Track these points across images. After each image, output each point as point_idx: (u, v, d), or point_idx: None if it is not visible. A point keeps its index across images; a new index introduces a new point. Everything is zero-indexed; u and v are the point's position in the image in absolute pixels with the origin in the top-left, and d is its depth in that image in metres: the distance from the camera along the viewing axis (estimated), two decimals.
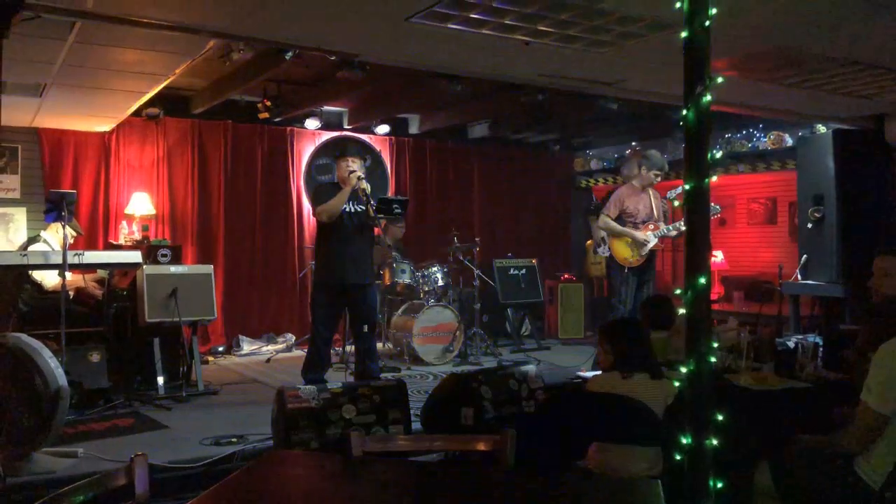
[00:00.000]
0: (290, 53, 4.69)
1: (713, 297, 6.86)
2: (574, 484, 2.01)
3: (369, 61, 4.87)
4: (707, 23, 2.46)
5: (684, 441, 2.55)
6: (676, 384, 2.70)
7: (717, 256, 9.03)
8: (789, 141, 7.62)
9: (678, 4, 2.51)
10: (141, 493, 1.84)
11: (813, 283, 6.72)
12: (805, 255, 6.84)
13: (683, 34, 2.49)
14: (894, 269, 2.82)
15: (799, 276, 6.85)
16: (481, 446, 1.97)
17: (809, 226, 6.74)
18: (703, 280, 2.47)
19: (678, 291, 2.51)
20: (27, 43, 4.15)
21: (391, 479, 1.95)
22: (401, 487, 1.91)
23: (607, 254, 7.49)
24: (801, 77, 5.06)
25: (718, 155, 7.66)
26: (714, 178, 2.55)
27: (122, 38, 4.19)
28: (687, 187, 2.54)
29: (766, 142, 7.83)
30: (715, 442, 2.49)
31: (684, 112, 2.53)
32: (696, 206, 2.51)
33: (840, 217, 6.49)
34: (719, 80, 2.48)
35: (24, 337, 4.11)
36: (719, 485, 2.52)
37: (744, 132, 8.06)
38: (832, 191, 6.54)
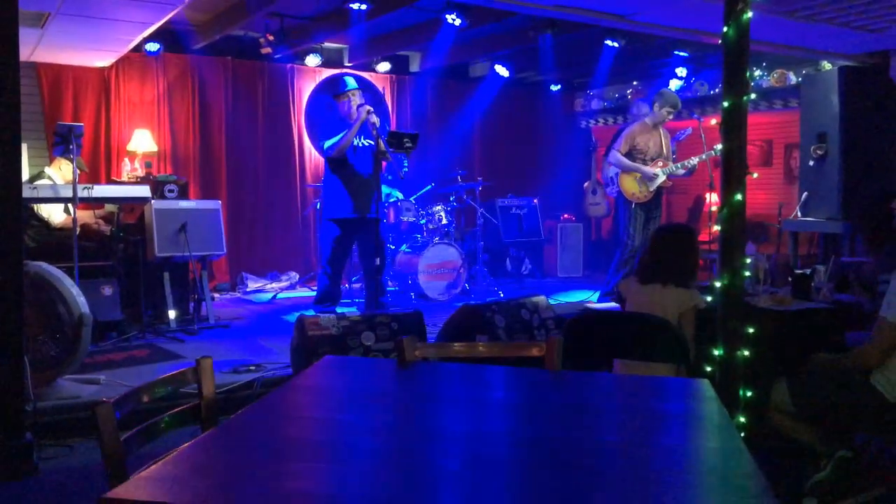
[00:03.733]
0: None
1: (710, 237, 6.94)
2: (628, 382, 2.09)
3: None
4: None
5: (716, 353, 2.65)
6: (709, 298, 2.78)
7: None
8: (792, 79, 7.63)
9: None
10: (208, 394, 1.90)
11: (813, 219, 6.81)
12: (806, 193, 6.91)
13: None
14: None
15: (799, 214, 6.93)
16: (534, 351, 2.04)
17: (811, 163, 6.79)
18: (738, 197, 2.53)
19: (715, 208, 2.56)
20: None
21: (448, 376, 2.03)
22: (458, 384, 1.99)
23: (615, 193, 7.54)
24: (814, 9, 5.05)
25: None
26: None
27: None
28: (725, 104, 2.58)
29: (769, 80, 7.83)
30: (746, 353, 2.60)
31: (725, 29, 2.55)
32: (733, 124, 2.56)
33: (842, 154, 6.54)
34: None
35: (45, 265, 4.13)
36: (748, 394, 2.63)
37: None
38: (836, 128, 6.57)
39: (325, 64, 8.43)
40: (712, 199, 8.19)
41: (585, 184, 9.76)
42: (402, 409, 1.82)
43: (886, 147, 6.66)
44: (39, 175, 6.16)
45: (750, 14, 2.46)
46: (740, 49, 2.52)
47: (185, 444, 1.53)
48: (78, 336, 4.03)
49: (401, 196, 7.70)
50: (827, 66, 7.10)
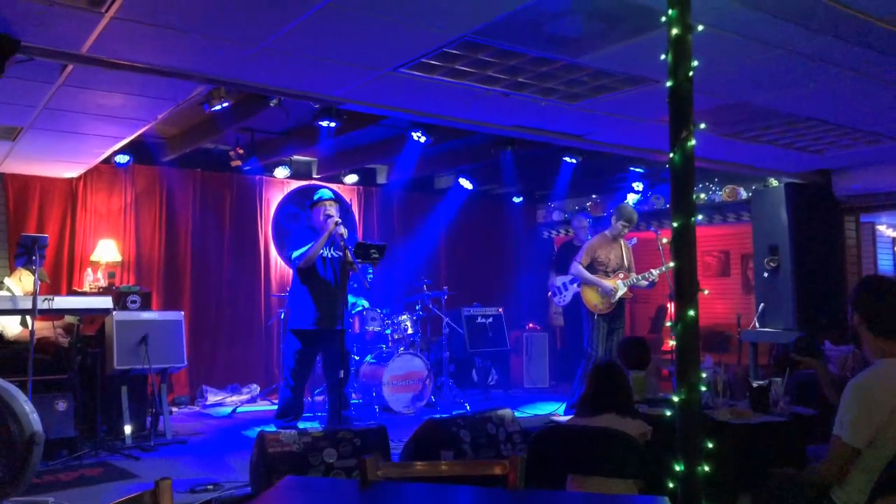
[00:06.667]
0: (274, 100, 4.80)
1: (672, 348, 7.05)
2: (589, 500, 2.08)
3: (350, 109, 4.99)
4: (690, 73, 2.66)
5: (677, 468, 2.65)
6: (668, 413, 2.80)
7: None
8: (743, 194, 7.98)
9: (663, 56, 2.71)
10: None
11: (770, 330, 6.96)
12: (762, 304, 7.09)
13: (668, 83, 2.68)
14: None
15: (757, 324, 7.09)
16: (497, 470, 2.04)
17: (765, 275, 7.01)
18: (691, 313, 2.60)
19: (669, 324, 2.64)
20: (13, 85, 4.17)
21: (411, 498, 2.00)
22: None
23: (564, 303, 7.69)
24: (757, 132, 5.37)
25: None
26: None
27: (112, 82, 4.24)
28: (674, 225, 2.70)
29: (721, 195, 8.19)
30: (707, 468, 2.60)
31: (671, 155, 2.70)
32: (682, 243, 2.67)
33: (794, 266, 6.77)
34: (702, 126, 2.68)
35: None
36: None
37: (700, 185, 8.41)
38: (786, 241, 6.82)
39: (294, 176, 8.62)
40: (674, 309, 8.36)
41: (549, 293, 9.89)
42: None
43: (833, 258, 6.93)
44: None
45: (693, 142, 2.62)
46: (686, 173, 2.66)
47: None
48: (28, 456, 3.86)
49: (366, 305, 7.71)
50: (774, 182, 7.46)
